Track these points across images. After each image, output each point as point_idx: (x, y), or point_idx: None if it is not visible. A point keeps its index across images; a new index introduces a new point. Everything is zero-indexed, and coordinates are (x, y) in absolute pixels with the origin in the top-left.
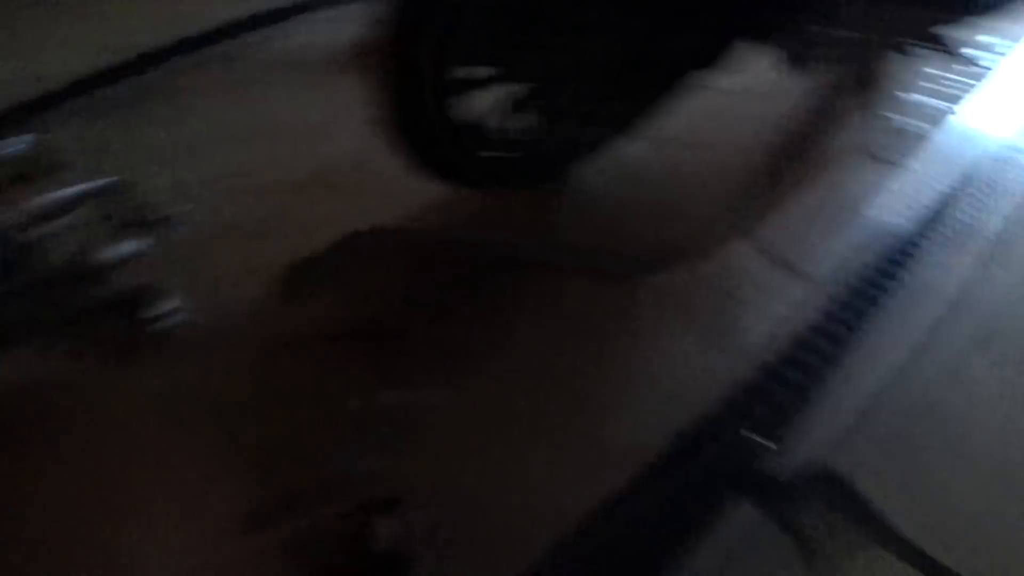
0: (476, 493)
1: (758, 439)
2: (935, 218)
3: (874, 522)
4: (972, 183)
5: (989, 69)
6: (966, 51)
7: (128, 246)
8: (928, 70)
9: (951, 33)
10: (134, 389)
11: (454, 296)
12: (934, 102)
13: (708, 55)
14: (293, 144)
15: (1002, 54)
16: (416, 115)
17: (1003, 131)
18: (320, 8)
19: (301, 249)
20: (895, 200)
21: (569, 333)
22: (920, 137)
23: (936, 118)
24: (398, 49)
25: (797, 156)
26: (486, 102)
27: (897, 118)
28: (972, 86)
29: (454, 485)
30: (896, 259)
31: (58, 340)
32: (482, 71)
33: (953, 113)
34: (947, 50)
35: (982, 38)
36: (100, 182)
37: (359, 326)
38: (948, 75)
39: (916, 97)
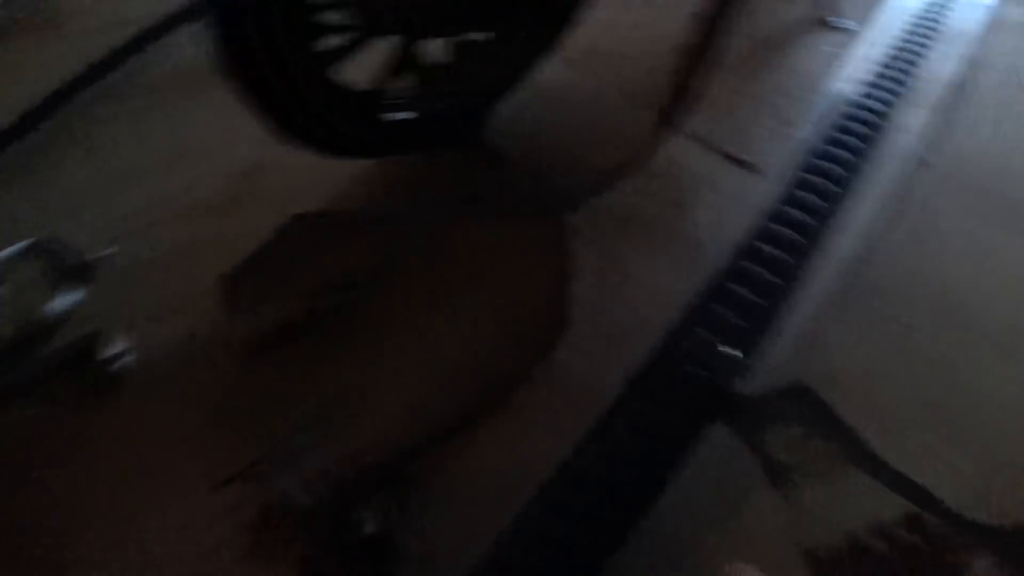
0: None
1: (727, 351)
2: (890, 78)
3: (845, 438)
4: (921, 35)
5: None
6: None
7: (69, 297)
8: None
9: None
10: (98, 434)
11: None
12: None
13: None
14: (204, 162)
15: None
16: (300, 99)
17: None
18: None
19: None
20: (850, 68)
21: (523, 279)
22: None
23: None
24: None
25: (723, 40)
26: (369, 66)
27: None
28: None
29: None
30: (856, 130)
31: (19, 402)
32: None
33: None
34: None
35: None
36: (24, 243)
37: (307, 315)
38: None
39: None
